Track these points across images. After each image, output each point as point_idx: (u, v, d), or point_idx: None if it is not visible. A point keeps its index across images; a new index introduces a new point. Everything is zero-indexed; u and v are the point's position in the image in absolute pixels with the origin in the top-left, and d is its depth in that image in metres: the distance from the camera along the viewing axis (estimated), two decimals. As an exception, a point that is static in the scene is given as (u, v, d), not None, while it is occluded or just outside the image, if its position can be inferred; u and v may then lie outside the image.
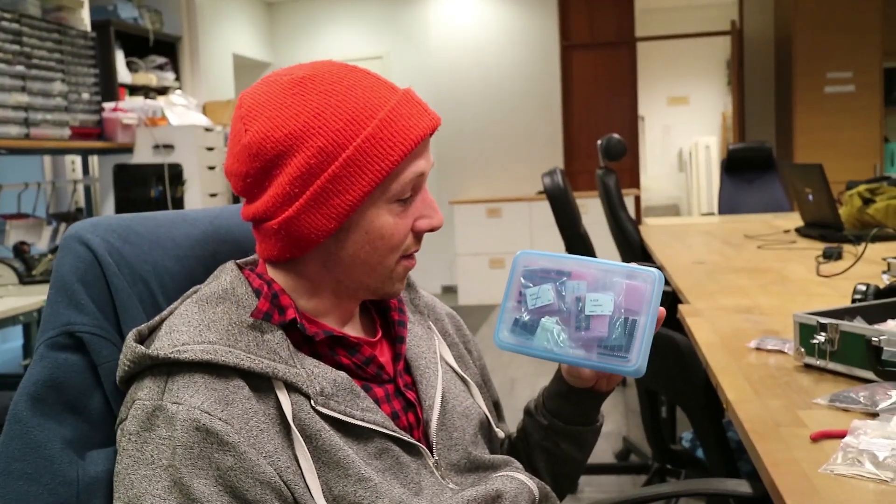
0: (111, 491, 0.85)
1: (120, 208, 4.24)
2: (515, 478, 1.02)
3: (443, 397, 1.02)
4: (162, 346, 0.85)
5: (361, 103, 0.90)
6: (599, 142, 3.77)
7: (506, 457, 1.07)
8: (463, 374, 1.10)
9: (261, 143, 0.89)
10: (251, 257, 1.03)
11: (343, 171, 0.88)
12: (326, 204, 0.89)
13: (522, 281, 1.01)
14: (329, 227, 0.90)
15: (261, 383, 0.87)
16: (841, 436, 1.01)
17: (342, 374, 0.92)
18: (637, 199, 6.98)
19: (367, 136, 0.88)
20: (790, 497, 0.88)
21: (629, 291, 0.95)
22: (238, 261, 1.00)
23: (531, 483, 1.03)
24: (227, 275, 0.95)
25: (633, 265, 0.98)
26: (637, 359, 0.93)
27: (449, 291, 7.33)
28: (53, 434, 0.87)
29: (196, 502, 0.79)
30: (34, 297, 3.00)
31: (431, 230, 0.97)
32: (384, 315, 1.06)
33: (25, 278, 3.27)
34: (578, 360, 0.97)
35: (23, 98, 3.62)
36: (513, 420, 1.22)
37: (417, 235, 0.97)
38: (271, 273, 0.97)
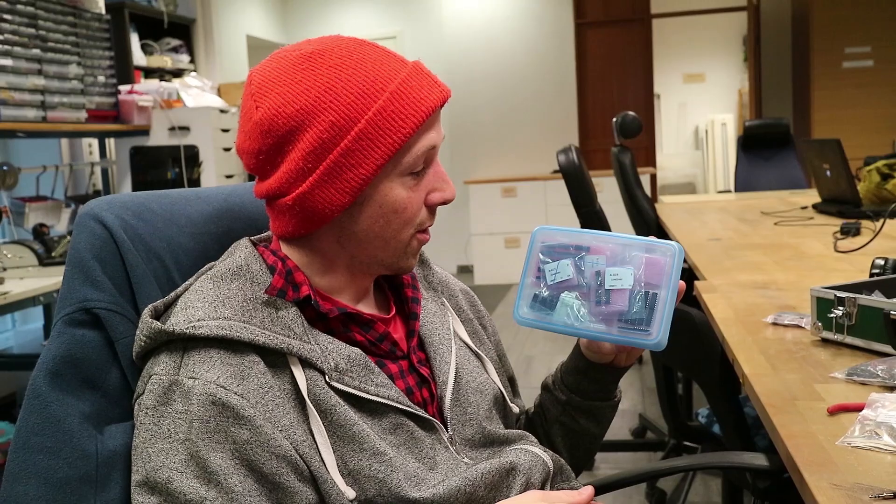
0: (129, 464, 0.86)
1: (137, 190, 4.25)
2: (529, 450, 1.02)
3: (456, 373, 1.02)
4: (178, 321, 0.86)
5: (371, 77, 0.90)
6: (615, 119, 3.75)
7: (520, 431, 1.08)
8: (477, 349, 1.10)
9: (272, 120, 0.89)
10: (265, 234, 1.03)
11: (355, 144, 0.88)
12: (339, 178, 0.89)
13: (541, 257, 1.01)
14: (343, 201, 0.90)
15: (276, 359, 0.87)
16: (858, 409, 1.00)
17: (356, 350, 0.93)
18: (653, 178, 6.93)
19: (378, 110, 0.88)
20: (807, 469, 0.87)
21: (649, 265, 0.95)
22: (252, 237, 1.00)
23: (545, 455, 1.03)
24: (241, 251, 0.96)
25: (652, 239, 0.97)
26: (658, 332, 0.93)
27: (464, 271, 7.33)
28: (72, 409, 0.88)
29: (213, 475, 0.80)
30: (54, 278, 3.02)
31: (444, 203, 0.96)
32: (398, 292, 1.06)
33: (45, 260, 3.30)
34: (599, 334, 0.97)
35: (39, 81, 3.63)
36: (530, 397, 1.22)
37: (431, 209, 0.96)
38: (285, 250, 0.97)
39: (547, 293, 0.99)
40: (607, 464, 3.10)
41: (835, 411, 1.02)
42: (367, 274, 0.99)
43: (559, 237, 1.01)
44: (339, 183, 0.89)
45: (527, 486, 0.97)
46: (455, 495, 0.90)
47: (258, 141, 0.91)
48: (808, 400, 1.08)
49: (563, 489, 1.05)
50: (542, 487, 1.01)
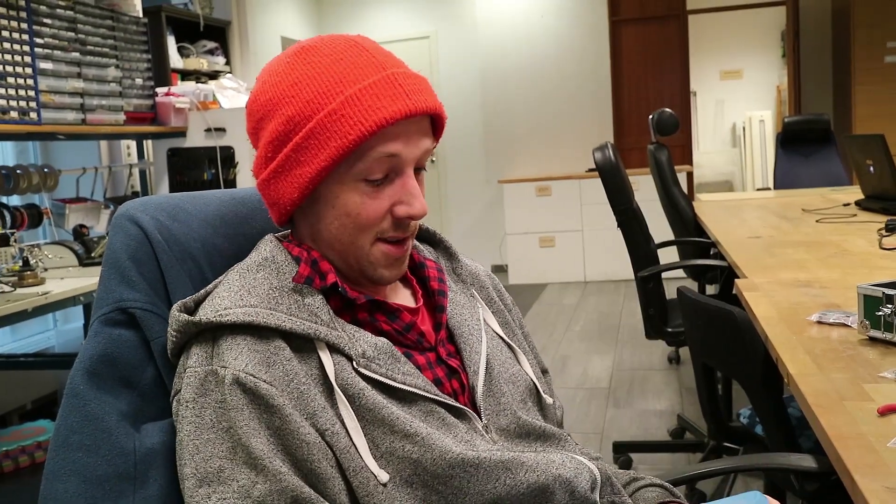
0: (166, 462, 0.87)
1: (174, 191, 4.28)
2: (575, 458, 0.99)
3: (488, 363, 1.01)
4: (205, 312, 0.87)
5: (336, 77, 0.90)
6: (651, 116, 3.71)
7: (558, 429, 1.05)
8: (509, 340, 1.08)
9: (251, 105, 0.95)
10: (286, 231, 1.04)
11: (306, 142, 0.90)
12: (291, 173, 0.91)
13: None
14: (293, 195, 0.92)
15: (302, 344, 0.88)
16: (910, 410, 0.97)
17: (383, 339, 0.92)
18: (689, 176, 6.85)
19: (330, 111, 0.89)
20: (858, 471, 0.85)
21: None
22: (276, 234, 1.01)
23: (591, 465, 1.00)
24: (266, 245, 0.97)
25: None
26: None
27: (499, 271, 7.31)
28: (110, 407, 0.89)
29: (258, 460, 0.81)
30: (94, 278, 3.06)
31: (409, 218, 0.93)
32: (425, 285, 1.05)
33: (85, 260, 3.34)
34: None
35: (79, 84, 3.68)
36: (566, 397, 1.20)
37: (397, 221, 0.93)
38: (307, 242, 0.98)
39: None
40: (645, 465, 3.07)
41: (885, 412, 0.99)
42: (349, 278, 0.97)
43: None
44: (290, 177, 0.91)
45: (574, 494, 0.94)
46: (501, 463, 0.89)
47: (247, 122, 0.96)
48: (857, 400, 1.05)
49: (613, 501, 1.01)
50: (590, 496, 0.97)
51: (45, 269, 3.14)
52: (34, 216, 3.57)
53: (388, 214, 0.93)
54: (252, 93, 0.95)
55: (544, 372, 1.17)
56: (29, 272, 2.97)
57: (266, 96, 0.92)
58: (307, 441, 0.83)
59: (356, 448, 0.85)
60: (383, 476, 0.84)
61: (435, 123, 0.96)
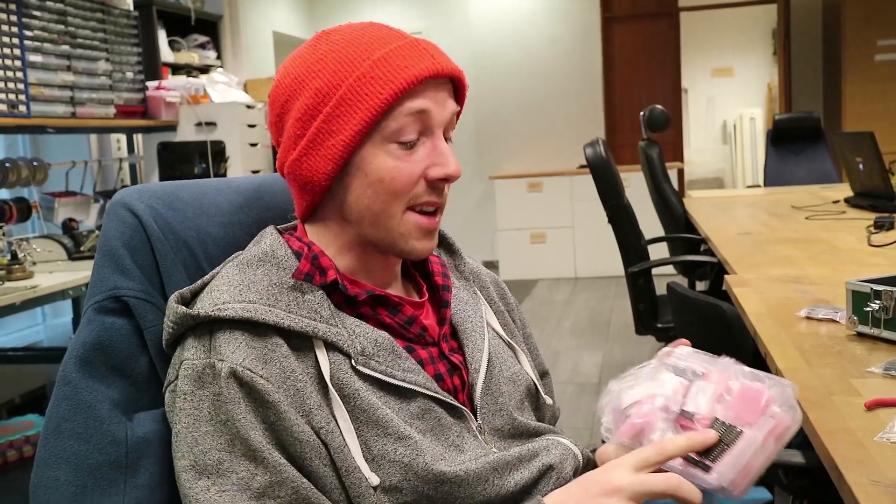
0: (158, 451, 0.87)
1: (164, 186, 4.26)
2: (561, 442, 1.00)
3: (489, 361, 1.01)
4: (203, 305, 0.86)
5: (361, 46, 0.90)
6: (642, 113, 3.72)
7: (550, 426, 1.06)
8: (510, 340, 1.08)
9: (276, 91, 0.94)
10: (291, 223, 1.03)
11: (336, 110, 0.89)
12: (323, 145, 0.90)
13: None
14: (327, 168, 0.90)
15: (300, 342, 0.87)
16: (897, 403, 0.98)
17: (384, 334, 0.92)
18: (680, 173, 6.87)
19: (359, 76, 0.89)
20: (845, 465, 0.85)
21: (744, 395, 0.81)
22: (278, 226, 1.00)
23: (575, 448, 1.02)
24: (266, 238, 0.96)
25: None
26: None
27: (490, 267, 7.29)
28: (102, 395, 0.88)
29: (257, 452, 0.81)
30: (83, 272, 3.05)
31: (445, 179, 0.92)
32: (429, 280, 1.05)
33: (74, 254, 3.33)
34: None
35: (68, 77, 3.66)
36: (557, 392, 1.20)
37: (432, 185, 0.93)
38: (310, 235, 0.97)
39: None
40: (634, 460, 3.08)
41: (872, 406, 1.00)
42: (378, 255, 0.97)
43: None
44: (323, 149, 0.90)
45: (558, 480, 0.96)
46: (482, 474, 0.89)
47: (270, 112, 0.95)
48: (845, 395, 1.06)
49: None
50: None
51: (34, 263, 3.13)
52: (23, 210, 3.55)
53: (421, 179, 0.92)
54: (274, 82, 0.94)
55: (545, 374, 1.18)
56: (17, 266, 2.95)
57: (290, 78, 0.92)
58: (300, 439, 0.82)
59: (349, 450, 0.84)
60: (374, 479, 0.84)
61: (456, 90, 0.96)
